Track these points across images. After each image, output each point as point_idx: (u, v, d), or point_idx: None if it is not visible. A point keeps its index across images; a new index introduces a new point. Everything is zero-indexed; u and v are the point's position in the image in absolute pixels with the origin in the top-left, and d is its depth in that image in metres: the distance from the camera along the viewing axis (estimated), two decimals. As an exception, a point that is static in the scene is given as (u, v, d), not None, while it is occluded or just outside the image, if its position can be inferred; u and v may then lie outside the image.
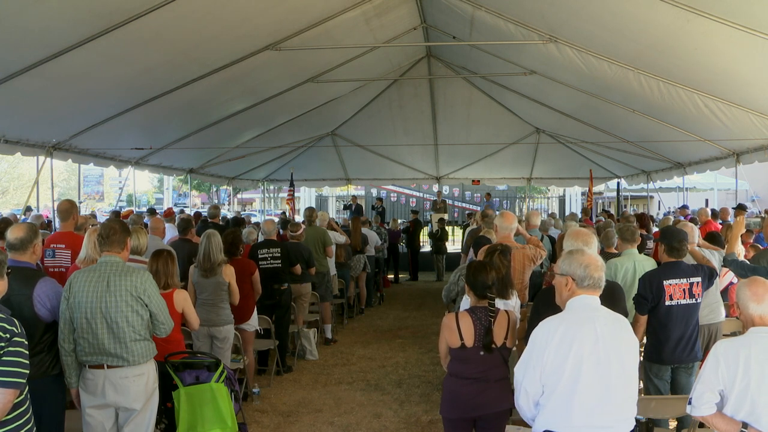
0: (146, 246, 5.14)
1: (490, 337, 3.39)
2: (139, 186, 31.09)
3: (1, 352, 2.66)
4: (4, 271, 2.91)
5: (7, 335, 2.68)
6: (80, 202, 11.21)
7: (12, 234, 3.63)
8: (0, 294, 2.91)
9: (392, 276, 14.39)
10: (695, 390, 2.83)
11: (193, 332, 5.11)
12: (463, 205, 24.47)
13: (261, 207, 23.55)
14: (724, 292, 5.73)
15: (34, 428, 2.90)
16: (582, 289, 2.73)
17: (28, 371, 2.74)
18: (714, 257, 5.19)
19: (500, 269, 4.14)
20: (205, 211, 12.15)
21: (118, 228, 3.69)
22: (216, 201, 28.39)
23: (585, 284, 2.73)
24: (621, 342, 2.67)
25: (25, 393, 2.80)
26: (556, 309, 2.82)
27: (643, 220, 8.38)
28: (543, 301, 3.67)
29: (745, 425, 2.70)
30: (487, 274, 3.55)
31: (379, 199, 19.13)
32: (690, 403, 2.84)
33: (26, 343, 2.77)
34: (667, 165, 12.94)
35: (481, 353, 3.40)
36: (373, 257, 11.16)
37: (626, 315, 3.92)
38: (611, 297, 3.73)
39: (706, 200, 22.98)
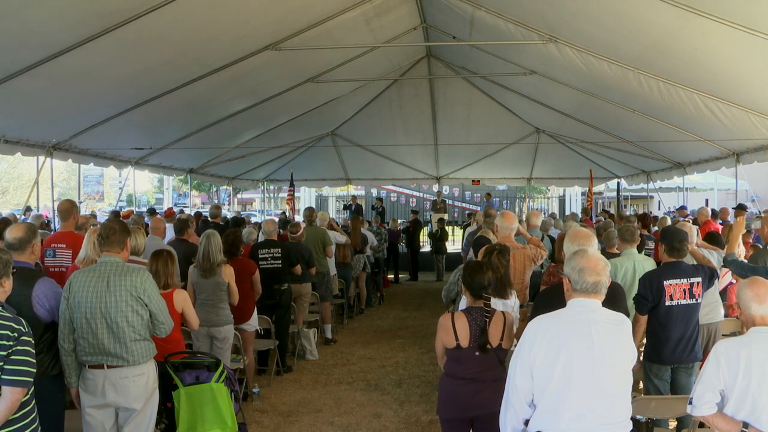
0: (144, 246, 5.13)
1: (485, 337, 3.39)
2: (139, 186, 31.07)
3: (10, 351, 2.68)
4: (10, 271, 2.92)
5: (15, 334, 2.70)
6: (80, 202, 11.20)
7: (10, 234, 3.63)
8: (5, 294, 2.92)
9: (392, 276, 14.39)
10: (696, 390, 2.82)
11: (193, 332, 5.11)
12: (463, 205, 24.46)
13: (261, 207, 23.54)
14: (724, 292, 5.73)
15: (39, 428, 2.90)
16: (577, 292, 2.70)
17: (35, 370, 2.77)
18: (713, 257, 5.19)
19: (498, 269, 4.14)
20: (204, 211, 12.15)
21: (118, 228, 3.69)
22: (216, 201, 28.40)
23: (577, 288, 2.69)
24: (618, 347, 2.63)
25: (30, 392, 2.81)
26: (555, 310, 2.81)
27: (645, 220, 8.37)
28: (543, 302, 3.66)
29: (745, 425, 2.69)
30: (484, 274, 3.55)
31: (379, 199, 19.13)
32: (691, 403, 2.84)
33: (33, 342, 2.80)
34: (667, 165, 12.94)
35: (477, 354, 3.40)
36: (371, 257, 11.15)
37: (627, 315, 3.93)
38: (612, 297, 3.71)
39: (706, 200, 22.97)
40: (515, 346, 3.78)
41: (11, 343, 2.68)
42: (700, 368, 3.78)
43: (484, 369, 3.41)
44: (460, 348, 3.41)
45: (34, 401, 2.87)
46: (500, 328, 3.46)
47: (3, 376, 2.66)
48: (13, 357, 2.68)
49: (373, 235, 11.40)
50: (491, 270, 3.67)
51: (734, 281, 5.71)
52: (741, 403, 2.71)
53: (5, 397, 2.67)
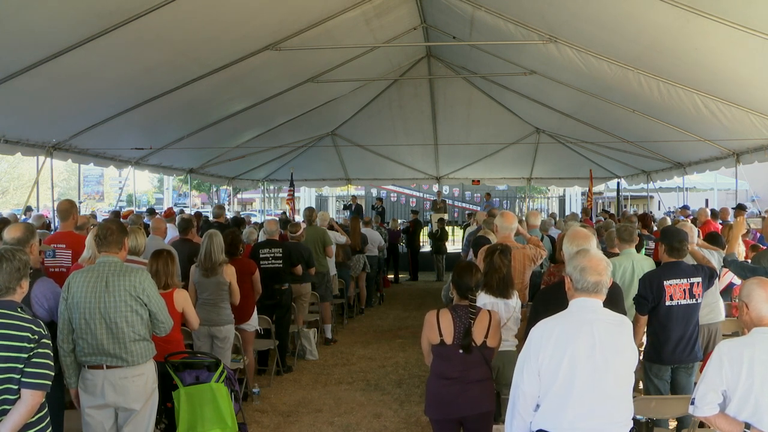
0: (144, 246, 5.12)
1: (469, 338, 3.39)
2: (139, 186, 31.06)
3: (31, 353, 2.66)
4: (28, 271, 2.91)
5: (36, 337, 2.68)
6: (80, 202, 11.19)
7: (8, 234, 3.63)
8: (23, 294, 2.90)
9: (392, 276, 14.39)
10: (698, 390, 2.82)
11: (194, 332, 5.11)
12: (463, 205, 24.45)
13: (261, 207, 23.53)
14: (724, 292, 5.73)
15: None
16: (578, 291, 2.70)
17: (53, 373, 2.74)
18: (713, 257, 5.19)
19: (501, 269, 4.14)
20: (205, 211, 12.15)
21: (115, 228, 3.68)
22: (217, 201, 28.40)
23: (579, 287, 2.69)
24: (619, 348, 2.63)
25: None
26: (554, 310, 2.80)
27: (645, 220, 8.38)
28: (541, 302, 3.66)
29: (747, 426, 2.69)
30: (472, 276, 3.56)
31: (379, 199, 19.12)
32: (693, 403, 2.83)
33: (51, 344, 2.77)
34: (667, 165, 12.94)
35: (461, 352, 3.40)
36: (375, 257, 11.16)
37: (624, 315, 3.93)
38: (609, 297, 3.72)
39: (706, 200, 22.95)
40: (517, 346, 3.80)
41: (32, 345, 2.66)
42: (701, 369, 3.78)
43: (469, 368, 3.41)
44: (444, 345, 3.43)
45: (46, 404, 2.85)
46: (485, 325, 3.46)
47: (23, 379, 2.64)
48: (33, 360, 2.66)
49: (379, 234, 11.41)
50: (480, 272, 3.68)
51: (736, 281, 5.71)
52: (743, 404, 2.70)
53: (25, 400, 2.65)
